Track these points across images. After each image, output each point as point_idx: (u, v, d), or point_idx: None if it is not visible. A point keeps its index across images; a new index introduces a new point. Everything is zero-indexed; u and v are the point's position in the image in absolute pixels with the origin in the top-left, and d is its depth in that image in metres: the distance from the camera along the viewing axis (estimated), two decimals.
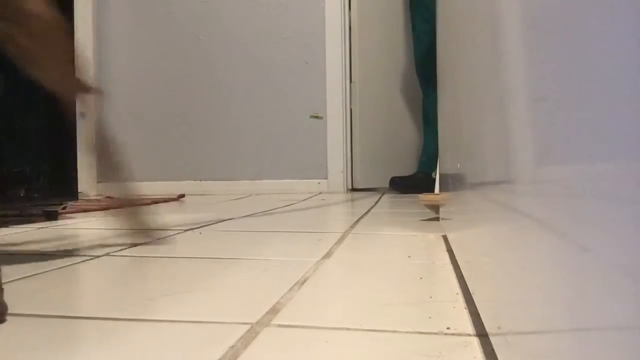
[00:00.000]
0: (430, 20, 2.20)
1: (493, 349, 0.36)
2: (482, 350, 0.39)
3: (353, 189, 2.65)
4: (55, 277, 0.66)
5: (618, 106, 0.15)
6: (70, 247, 0.96)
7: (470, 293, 0.51)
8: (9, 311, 0.50)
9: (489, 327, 0.39)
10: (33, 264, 0.75)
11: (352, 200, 2.08)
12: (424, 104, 2.44)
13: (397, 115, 2.86)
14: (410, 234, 1.02)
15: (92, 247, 0.95)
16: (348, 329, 0.44)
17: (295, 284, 0.59)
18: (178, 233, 1.06)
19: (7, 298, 0.56)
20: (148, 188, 2.73)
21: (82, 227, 1.27)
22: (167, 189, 2.65)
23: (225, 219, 1.33)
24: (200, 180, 2.73)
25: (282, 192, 2.54)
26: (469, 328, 0.44)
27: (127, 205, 1.14)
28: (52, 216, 1.40)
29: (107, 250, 0.85)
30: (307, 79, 2.64)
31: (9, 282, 0.63)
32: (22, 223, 1.28)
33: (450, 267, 0.69)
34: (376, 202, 1.86)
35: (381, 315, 0.48)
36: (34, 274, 0.67)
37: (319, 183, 2.62)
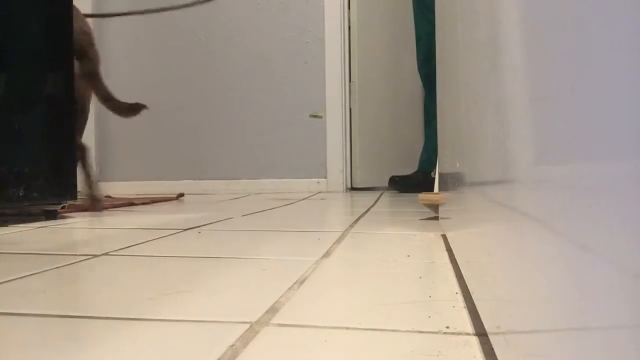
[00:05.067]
0: (432, 20, 2.20)
1: (492, 348, 0.36)
2: (481, 349, 0.39)
3: (352, 188, 2.65)
4: (55, 277, 0.66)
5: (618, 105, 0.15)
6: (69, 247, 0.96)
7: (469, 292, 0.51)
8: (7, 311, 0.50)
9: (488, 326, 0.39)
10: (32, 264, 0.75)
11: (352, 199, 2.08)
12: (425, 102, 2.43)
13: (397, 114, 2.86)
14: (410, 233, 1.02)
15: (91, 247, 0.95)
16: (347, 328, 0.44)
17: (294, 283, 0.59)
18: (177, 232, 1.06)
19: (5, 297, 0.56)
20: (147, 187, 2.73)
21: (81, 226, 1.27)
22: (166, 188, 2.65)
23: (225, 218, 1.33)
24: (200, 180, 2.73)
25: (282, 192, 2.54)
26: (468, 327, 0.44)
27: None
28: (51, 215, 1.40)
29: (106, 249, 0.85)
30: (307, 79, 2.64)
31: (8, 281, 0.63)
32: (21, 222, 1.28)
33: (449, 266, 0.69)
34: (375, 202, 1.86)
35: (380, 315, 0.48)
36: (33, 273, 0.67)
37: (318, 182, 2.62)
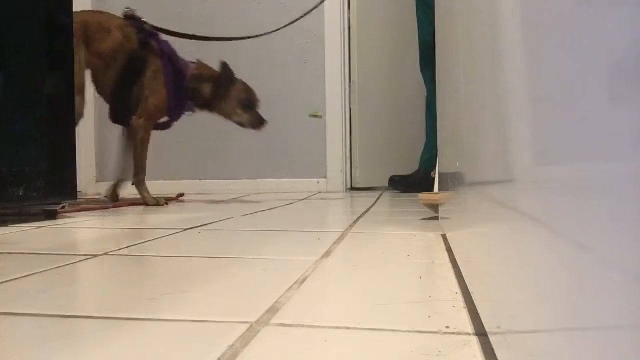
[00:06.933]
0: (434, 20, 2.20)
1: (492, 348, 0.36)
2: (481, 349, 0.39)
3: (352, 188, 2.65)
4: (55, 277, 0.66)
5: (617, 105, 0.15)
6: (69, 247, 0.96)
7: (469, 292, 0.51)
8: (8, 311, 0.50)
9: (488, 326, 0.39)
10: (32, 264, 0.75)
11: (352, 199, 2.08)
12: (427, 102, 2.43)
13: (397, 114, 2.86)
14: (410, 233, 1.02)
15: (91, 247, 0.95)
16: (347, 328, 0.44)
17: (294, 283, 0.59)
18: (177, 232, 1.06)
19: (5, 297, 0.56)
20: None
21: (81, 226, 1.27)
22: (166, 188, 2.64)
23: (225, 218, 1.33)
24: (200, 180, 2.73)
25: (282, 192, 2.54)
26: (469, 327, 0.44)
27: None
28: (51, 215, 1.40)
29: (106, 249, 0.85)
30: (307, 79, 2.64)
31: (8, 281, 0.63)
32: (21, 222, 1.28)
33: (449, 266, 0.69)
34: (375, 201, 1.86)
35: (380, 315, 0.48)
36: (33, 273, 0.67)
37: (318, 182, 2.62)
